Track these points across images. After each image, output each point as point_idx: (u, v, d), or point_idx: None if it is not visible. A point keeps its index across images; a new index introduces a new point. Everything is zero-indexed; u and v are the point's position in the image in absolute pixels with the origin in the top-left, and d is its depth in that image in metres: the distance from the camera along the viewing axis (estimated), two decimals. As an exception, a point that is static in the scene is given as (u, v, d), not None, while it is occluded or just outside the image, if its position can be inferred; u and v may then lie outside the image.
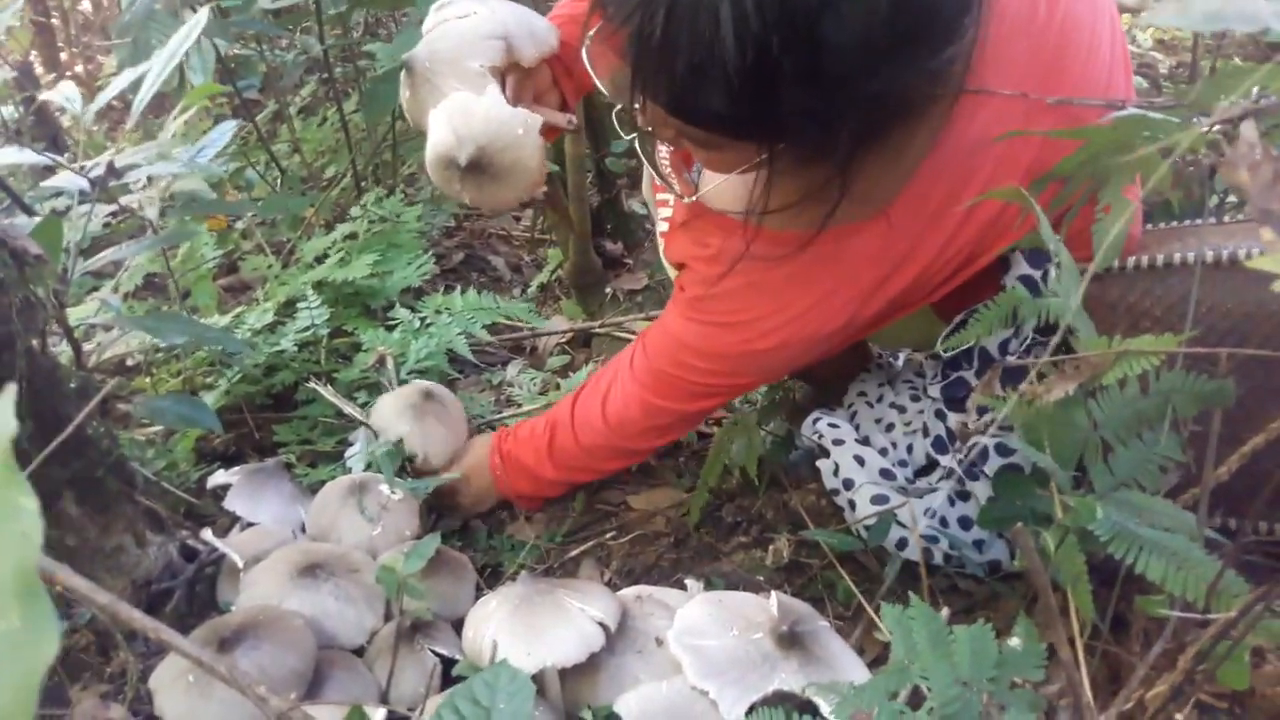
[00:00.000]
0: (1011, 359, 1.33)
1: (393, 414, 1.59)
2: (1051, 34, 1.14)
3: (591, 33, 1.07)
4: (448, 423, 1.61)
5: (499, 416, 1.77)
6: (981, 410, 1.04)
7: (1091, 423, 1.05)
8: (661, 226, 1.47)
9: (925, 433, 1.43)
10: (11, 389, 0.33)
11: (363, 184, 2.45)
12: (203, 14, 1.50)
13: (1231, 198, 1.52)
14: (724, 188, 1.23)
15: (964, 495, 1.35)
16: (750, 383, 1.36)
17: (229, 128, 1.61)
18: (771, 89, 0.90)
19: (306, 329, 1.78)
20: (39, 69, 3.17)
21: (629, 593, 1.26)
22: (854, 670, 1.09)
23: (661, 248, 1.44)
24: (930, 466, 1.43)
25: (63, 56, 3.48)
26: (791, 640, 1.09)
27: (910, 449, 1.46)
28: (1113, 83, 1.20)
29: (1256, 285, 0.65)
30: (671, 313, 1.37)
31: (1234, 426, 0.99)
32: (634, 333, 2.04)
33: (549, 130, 1.28)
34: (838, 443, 1.45)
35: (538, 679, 1.11)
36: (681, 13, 0.88)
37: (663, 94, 0.97)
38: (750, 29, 0.85)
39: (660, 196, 1.47)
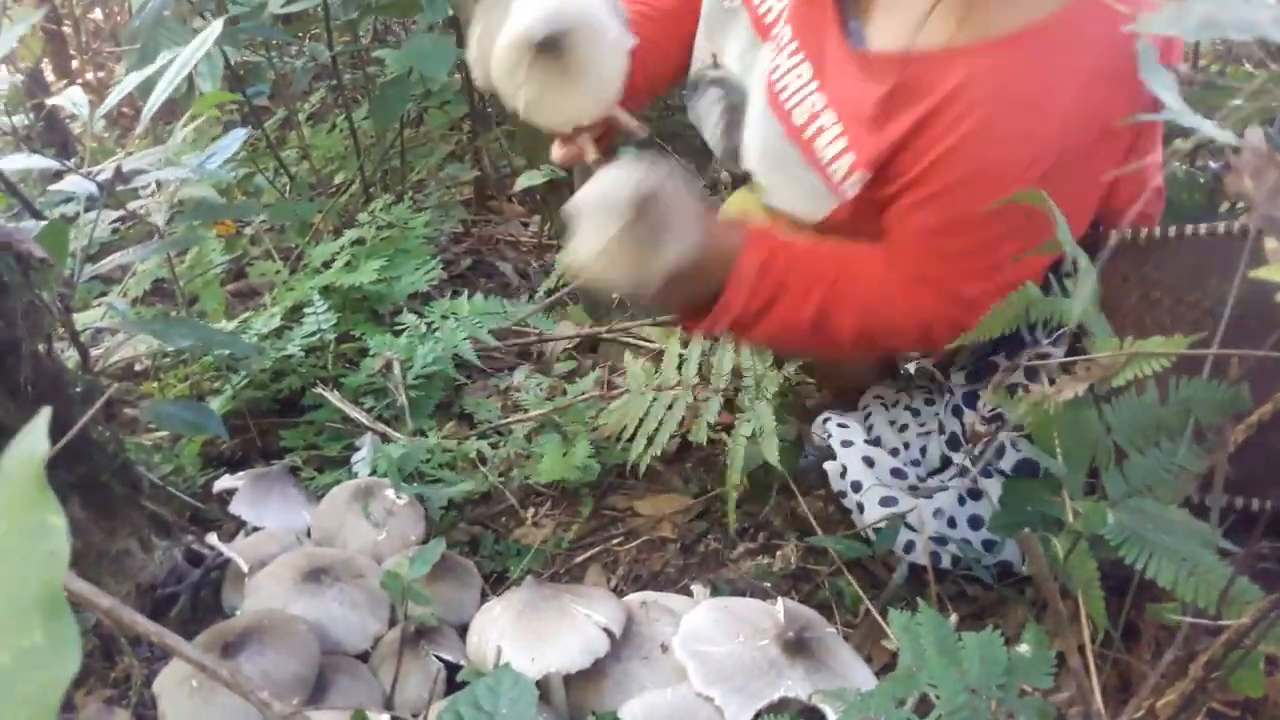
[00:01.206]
0: (1045, 344, 1.31)
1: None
2: None
3: None
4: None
5: (505, 421, 1.76)
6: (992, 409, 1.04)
7: (1105, 426, 1.04)
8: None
9: (941, 430, 1.42)
10: (47, 412, 0.34)
11: (371, 190, 2.46)
12: (217, 25, 1.50)
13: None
14: (895, 20, 1.16)
15: (975, 494, 1.34)
16: (1022, 246, 1.09)
17: (239, 135, 1.61)
18: None
19: (313, 334, 1.78)
20: (50, 76, 3.19)
21: (634, 598, 1.25)
22: (861, 677, 1.08)
23: (845, 166, 1.19)
24: (945, 468, 1.42)
25: (74, 64, 3.50)
26: (798, 647, 1.07)
27: (924, 450, 1.45)
28: None
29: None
30: (896, 214, 1.17)
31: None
32: (642, 338, 2.03)
33: (609, 127, 1.23)
34: (846, 444, 1.44)
35: (542, 685, 1.10)
36: None
37: None
38: None
39: (818, 124, 1.22)
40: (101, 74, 3.59)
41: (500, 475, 1.66)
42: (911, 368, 1.68)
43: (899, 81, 1.12)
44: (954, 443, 1.40)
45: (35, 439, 0.34)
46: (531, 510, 1.63)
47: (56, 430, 1.10)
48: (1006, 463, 1.32)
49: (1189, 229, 1.16)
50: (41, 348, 1.15)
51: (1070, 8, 1.06)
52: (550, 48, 1.09)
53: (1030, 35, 1.06)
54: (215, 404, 1.68)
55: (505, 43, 1.11)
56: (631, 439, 1.60)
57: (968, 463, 1.36)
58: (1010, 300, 1.05)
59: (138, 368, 1.90)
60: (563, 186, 2.10)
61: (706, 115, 1.42)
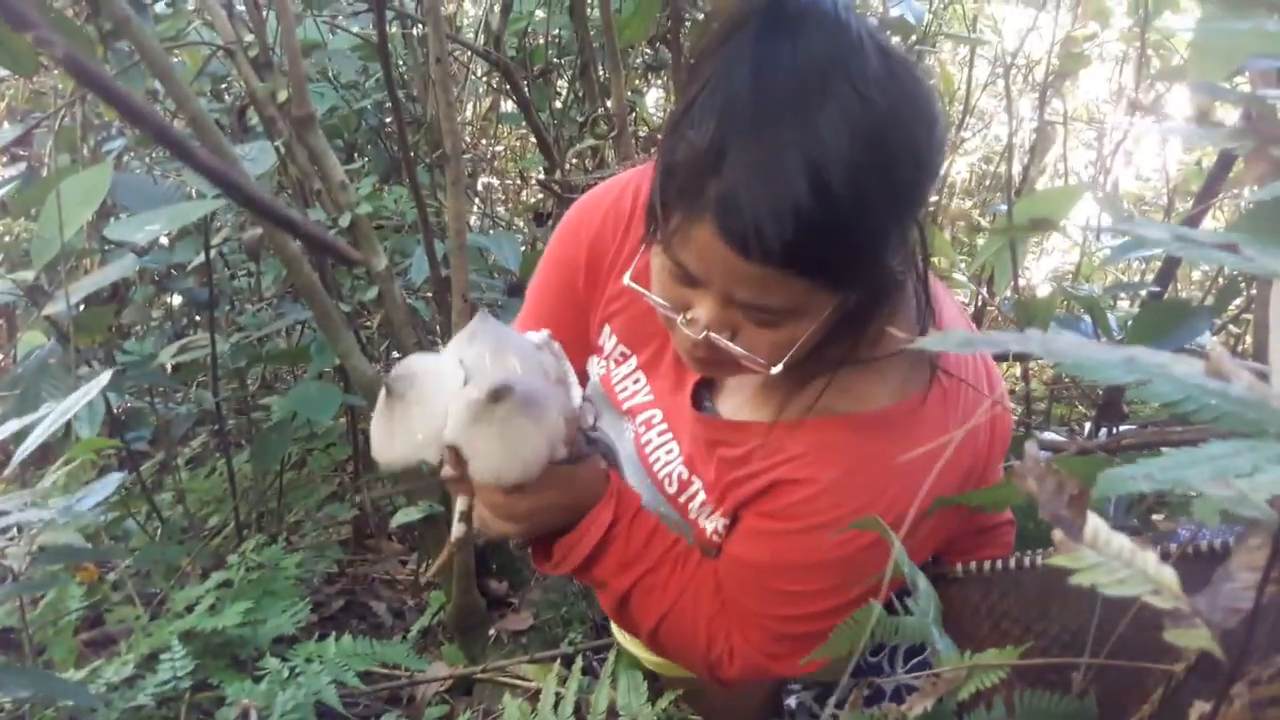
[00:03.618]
0: (901, 673, 1.33)
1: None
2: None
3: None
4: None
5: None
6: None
7: (962, 747, 1.06)
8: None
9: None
10: None
11: (244, 532, 2.43)
12: (104, 375, 1.55)
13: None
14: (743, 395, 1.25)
15: (854, 837, 1.30)
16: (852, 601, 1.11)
17: (114, 480, 1.60)
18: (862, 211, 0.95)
19: (167, 682, 1.69)
20: (-80, 424, 3.14)
21: None
22: None
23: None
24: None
25: (-52, 412, 3.47)
26: None
27: (801, 791, 1.43)
28: None
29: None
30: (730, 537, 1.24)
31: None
32: (519, 678, 1.99)
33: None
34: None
35: None
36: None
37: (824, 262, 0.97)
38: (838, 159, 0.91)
39: (689, 491, 1.31)
40: (-25, 421, 3.55)
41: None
42: (793, 701, 1.69)
43: (748, 448, 1.20)
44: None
45: None
46: None
47: None
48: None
49: (1027, 560, 1.21)
50: None
51: (913, 399, 1.13)
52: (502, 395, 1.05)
53: (874, 417, 1.13)
54: (49, 765, 1.55)
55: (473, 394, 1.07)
56: (505, 788, 1.52)
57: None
58: (856, 618, 1.10)
59: (-33, 729, 1.75)
60: (440, 522, 2.13)
61: None
